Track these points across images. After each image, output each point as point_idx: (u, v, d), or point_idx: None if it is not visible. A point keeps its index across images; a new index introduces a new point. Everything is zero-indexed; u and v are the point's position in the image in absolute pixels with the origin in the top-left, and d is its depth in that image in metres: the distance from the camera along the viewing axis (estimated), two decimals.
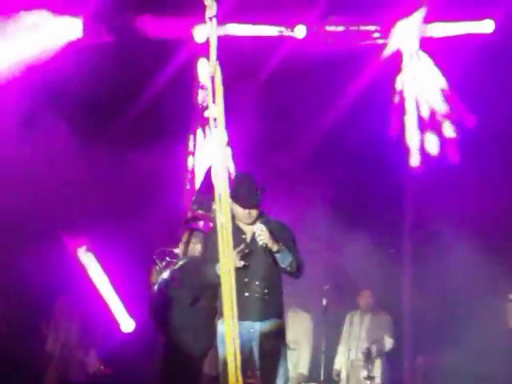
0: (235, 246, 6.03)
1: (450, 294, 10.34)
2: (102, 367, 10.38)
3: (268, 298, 6.24)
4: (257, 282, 6.22)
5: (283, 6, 10.95)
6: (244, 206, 6.24)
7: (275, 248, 6.13)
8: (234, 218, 6.28)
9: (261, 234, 6.12)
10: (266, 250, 6.16)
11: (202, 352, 7.34)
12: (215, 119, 4.67)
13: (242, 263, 6.07)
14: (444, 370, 10.15)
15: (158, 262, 7.72)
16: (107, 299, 11.27)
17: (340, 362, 10.02)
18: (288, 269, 6.22)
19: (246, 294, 6.18)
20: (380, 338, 9.96)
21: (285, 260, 6.18)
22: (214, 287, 6.13)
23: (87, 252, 11.19)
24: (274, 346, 6.25)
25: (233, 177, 6.48)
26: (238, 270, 6.10)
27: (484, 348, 9.59)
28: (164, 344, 7.52)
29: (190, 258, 7.51)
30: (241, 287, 6.08)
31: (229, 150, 10.08)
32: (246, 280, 6.18)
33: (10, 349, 10.28)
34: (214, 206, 6.49)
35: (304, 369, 9.79)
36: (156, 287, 7.51)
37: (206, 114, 10.72)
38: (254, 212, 6.27)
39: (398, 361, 10.52)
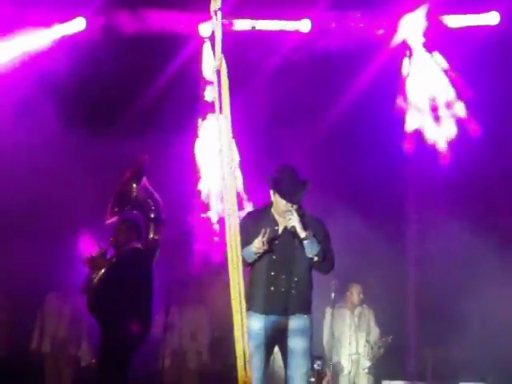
0: (267, 236, 6.08)
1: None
2: (93, 361, 10.34)
3: (295, 292, 6.16)
4: (283, 276, 6.15)
5: (288, 1, 10.96)
6: (288, 200, 6.16)
7: (303, 234, 6.05)
8: (270, 206, 6.32)
9: (291, 217, 6.09)
10: (295, 236, 6.10)
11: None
12: (220, 111, 4.65)
13: (266, 247, 6.04)
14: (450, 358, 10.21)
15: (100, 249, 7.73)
16: None
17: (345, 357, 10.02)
18: (315, 259, 6.11)
19: (272, 288, 6.14)
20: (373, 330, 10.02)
21: (312, 249, 6.08)
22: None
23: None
24: (299, 343, 6.16)
25: (276, 168, 6.38)
26: (264, 263, 6.16)
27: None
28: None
29: (124, 251, 7.59)
30: (267, 281, 6.13)
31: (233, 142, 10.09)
32: (272, 274, 6.15)
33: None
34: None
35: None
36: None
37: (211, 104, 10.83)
38: (295, 206, 6.20)
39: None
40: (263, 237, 6.01)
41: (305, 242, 6.09)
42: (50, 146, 10.28)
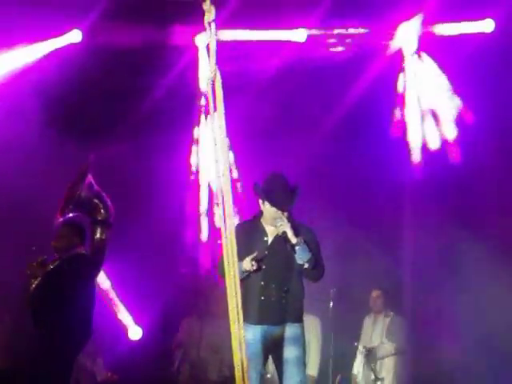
0: (256, 247, 6.20)
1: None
2: (109, 374, 10.35)
3: (286, 301, 6.19)
4: (273, 286, 6.19)
5: (283, 11, 10.97)
6: (279, 208, 6.20)
7: (294, 240, 6.09)
8: (259, 217, 6.34)
9: (282, 223, 6.11)
10: (286, 243, 6.12)
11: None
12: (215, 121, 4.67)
13: (255, 267, 6.05)
14: None
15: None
16: (113, 306, 11.27)
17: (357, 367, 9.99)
18: (306, 266, 6.13)
19: (262, 298, 6.16)
20: (390, 340, 9.91)
21: (303, 256, 6.11)
22: None
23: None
24: (292, 352, 6.17)
25: (265, 178, 6.42)
26: (254, 274, 6.17)
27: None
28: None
29: (65, 258, 7.31)
30: (257, 291, 6.17)
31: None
32: (262, 283, 6.18)
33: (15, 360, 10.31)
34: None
35: (313, 370, 9.74)
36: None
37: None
38: (286, 213, 6.23)
39: None
40: (253, 258, 6.03)
41: (296, 248, 6.11)
42: (37, 151, 10.27)
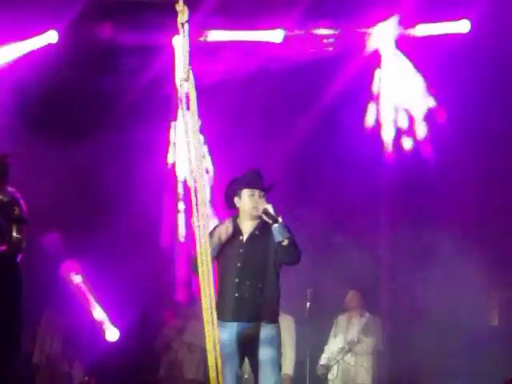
0: (232, 245, 6.24)
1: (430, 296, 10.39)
2: (86, 378, 10.34)
3: (260, 299, 6.18)
4: (248, 283, 6.19)
5: (260, 12, 11.00)
6: (254, 187, 6.27)
7: (275, 217, 6.16)
8: (235, 218, 6.39)
9: (262, 202, 6.23)
10: (268, 216, 6.18)
11: None
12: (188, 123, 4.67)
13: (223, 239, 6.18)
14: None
15: None
16: (90, 307, 11.25)
17: (326, 358, 9.98)
18: (285, 242, 6.13)
19: (237, 295, 6.17)
20: (366, 339, 9.92)
21: (283, 233, 6.14)
22: None
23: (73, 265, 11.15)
24: (266, 353, 6.14)
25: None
26: (229, 271, 6.22)
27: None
28: None
29: None
30: (231, 288, 6.18)
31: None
32: (236, 280, 6.19)
33: None
34: None
35: (289, 370, 9.73)
36: None
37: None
38: (264, 199, 6.28)
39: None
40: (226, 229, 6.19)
41: (277, 224, 6.15)
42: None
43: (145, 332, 10.78)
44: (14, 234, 7.39)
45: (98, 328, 11.23)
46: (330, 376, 9.91)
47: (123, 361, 10.99)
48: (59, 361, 10.31)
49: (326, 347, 10.02)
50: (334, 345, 9.94)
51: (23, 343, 10.04)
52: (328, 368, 9.90)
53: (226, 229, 6.24)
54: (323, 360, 9.94)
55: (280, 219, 6.18)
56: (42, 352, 10.33)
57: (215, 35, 11.25)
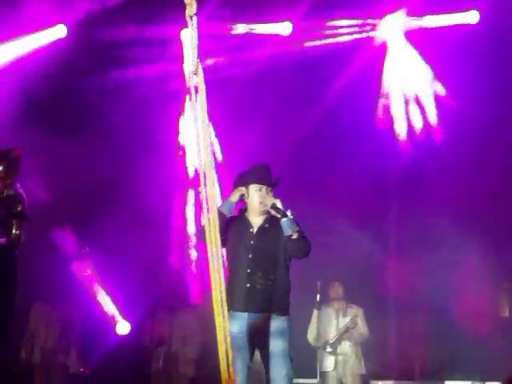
0: (242, 238, 6.30)
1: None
2: (81, 369, 10.37)
3: (271, 290, 6.21)
4: (259, 274, 6.23)
5: (268, 4, 10.99)
6: (262, 182, 6.31)
7: (284, 211, 6.21)
8: (243, 211, 6.45)
9: (269, 198, 6.28)
10: (277, 211, 6.22)
11: None
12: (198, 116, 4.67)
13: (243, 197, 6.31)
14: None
15: None
16: (99, 300, 11.28)
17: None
18: (294, 236, 6.19)
19: (248, 285, 6.20)
20: (357, 328, 9.92)
21: (292, 226, 6.20)
22: None
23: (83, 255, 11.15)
24: (277, 345, 6.17)
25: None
26: (241, 263, 6.26)
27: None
28: None
29: None
30: (243, 278, 6.21)
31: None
32: (248, 271, 6.22)
33: None
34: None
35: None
36: None
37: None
38: (270, 194, 6.33)
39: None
40: (241, 193, 6.32)
41: (285, 219, 6.21)
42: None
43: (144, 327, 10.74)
44: (14, 229, 7.48)
45: (101, 320, 11.24)
46: (327, 367, 9.92)
47: (120, 354, 11.00)
48: (54, 352, 10.30)
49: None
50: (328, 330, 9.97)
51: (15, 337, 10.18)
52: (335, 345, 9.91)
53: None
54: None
55: (289, 213, 6.23)
56: (33, 346, 10.32)
57: (223, 28, 11.23)
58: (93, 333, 10.78)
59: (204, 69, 4.72)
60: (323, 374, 9.88)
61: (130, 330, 11.24)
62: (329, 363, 9.87)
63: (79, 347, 10.41)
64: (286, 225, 6.22)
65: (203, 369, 10.27)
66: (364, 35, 11.35)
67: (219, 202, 6.31)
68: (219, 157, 11.40)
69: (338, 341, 9.81)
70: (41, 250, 9.94)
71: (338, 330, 9.83)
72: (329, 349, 9.79)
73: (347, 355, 9.83)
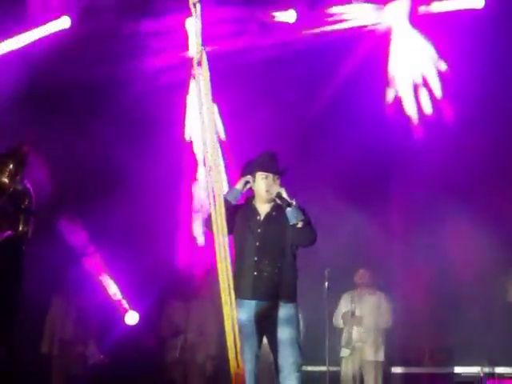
0: (249, 225, 6.33)
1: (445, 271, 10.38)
2: (101, 356, 10.39)
3: (278, 277, 6.24)
4: (266, 262, 6.26)
5: None
6: (268, 170, 6.33)
7: (289, 199, 6.22)
8: (250, 199, 6.49)
9: (275, 186, 6.31)
10: (281, 200, 6.24)
11: None
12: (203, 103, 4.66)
13: (248, 186, 6.39)
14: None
15: None
16: (109, 291, 11.30)
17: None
18: (299, 225, 6.21)
19: (255, 273, 6.23)
20: (378, 315, 9.94)
21: (297, 215, 6.22)
22: None
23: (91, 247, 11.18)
24: (285, 332, 6.19)
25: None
26: (248, 250, 6.28)
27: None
28: None
29: None
30: (250, 266, 6.25)
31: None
32: (255, 259, 6.25)
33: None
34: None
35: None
36: None
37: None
38: (277, 182, 6.34)
39: None
40: (246, 180, 6.35)
41: (290, 208, 6.22)
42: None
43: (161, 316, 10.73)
44: (21, 224, 7.47)
45: (112, 310, 11.26)
46: (343, 353, 9.95)
47: (137, 344, 11.02)
48: (72, 343, 10.32)
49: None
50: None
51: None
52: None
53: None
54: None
55: (294, 202, 6.22)
56: (53, 338, 10.34)
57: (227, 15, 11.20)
58: (108, 323, 10.84)
59: (209, 56, 4.71)
60: (340, 360, 9.96)
61: (141, 320, 11.26)
62: (345, 350, 9.91)
63: (97, 338, 10.45)
64: (291, 214, 6.24)
65: (220, 360, 10.23)
66: (369, 22, 11.29)
67: (225, 190, 6.32)
68: (223, 137, 11.42)
69: (350, 325, 9.86)
70: (49, 242, 9.94)
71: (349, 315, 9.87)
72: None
73: (363, 342, 9.84)
